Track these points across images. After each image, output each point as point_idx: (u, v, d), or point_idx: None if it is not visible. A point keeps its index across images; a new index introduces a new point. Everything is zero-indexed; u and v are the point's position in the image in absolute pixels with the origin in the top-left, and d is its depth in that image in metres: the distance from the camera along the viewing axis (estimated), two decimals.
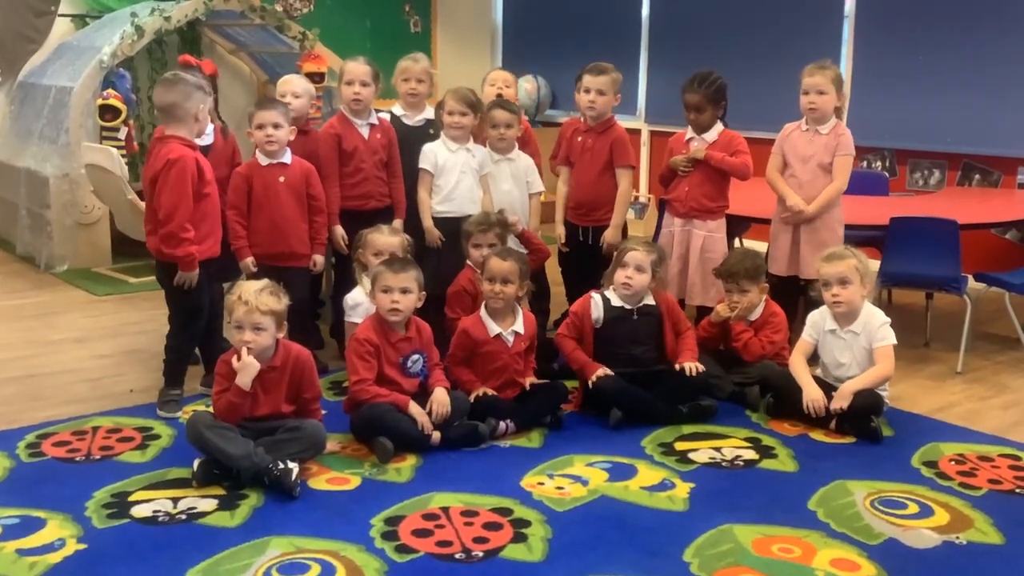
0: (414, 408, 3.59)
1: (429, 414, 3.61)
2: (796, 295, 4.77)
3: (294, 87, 4.74)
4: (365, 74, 4.56)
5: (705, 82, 4.70)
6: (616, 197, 4.78)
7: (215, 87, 4.89)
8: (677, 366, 3.99)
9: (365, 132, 4.60)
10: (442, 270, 4.42)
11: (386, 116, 4.81)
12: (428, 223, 4.59)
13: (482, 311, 3.96)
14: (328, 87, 7.76)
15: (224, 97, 8.13)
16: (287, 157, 4.30)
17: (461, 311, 4.15)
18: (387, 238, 4.14)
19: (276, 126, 4.20)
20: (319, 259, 4.40)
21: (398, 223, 4.58)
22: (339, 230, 4.53)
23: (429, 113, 4.98)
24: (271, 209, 4.23)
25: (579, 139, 4.86)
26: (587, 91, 4.77)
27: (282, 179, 4.26)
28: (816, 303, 4.16)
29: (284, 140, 4.25)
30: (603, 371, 3.93)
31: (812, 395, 3.86)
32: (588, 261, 4.80)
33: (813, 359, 4.25)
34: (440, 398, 3.65)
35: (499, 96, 5.07)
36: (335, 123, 4.62)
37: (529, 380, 3.96)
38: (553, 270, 5.16)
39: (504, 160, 4.76)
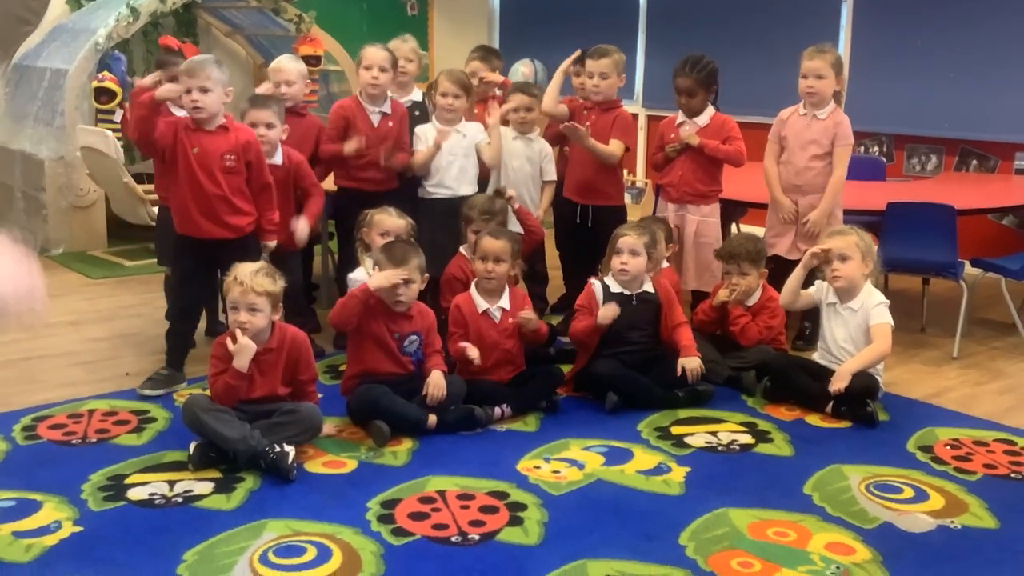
0: (376, 279, 3.59)
1: (424, 397, 3.62)
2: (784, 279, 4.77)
3: (287, 75, 4.66)
4: (384, 60, 4.54)
5: (697, 66, 4.69)
6: (601, 145, 4.72)
7: None
8: (679, 366, 3.96)
9: (376, 120, 4.58)
10: (436, 250, 4.42)
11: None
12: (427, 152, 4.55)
13: (472, 288, 3.97)
14: (324, 70, 7.73)
15: None
16: (278, 157, 4.24)
17: (453, 298, 4.14)
18: (394, 220, 4.13)
19: (269, 126, 4.17)
20: (302, 224, 4.29)
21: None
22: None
23: (417, 95, 4.97)
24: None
25: (585, 112, 4.84)
26: (590, 75, 4.77)
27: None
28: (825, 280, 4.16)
29: (276, 140, 4.22)
30: (611, 307, 3.92)
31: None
32: (586, 243, 4.78)
33: (811, 342, 4.27)
34: (436, 381, 3.65)
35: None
36: (347, 105, 4.61)
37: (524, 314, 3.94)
38: (552, 256, 5.16)
39: (521, 138, 4.78)
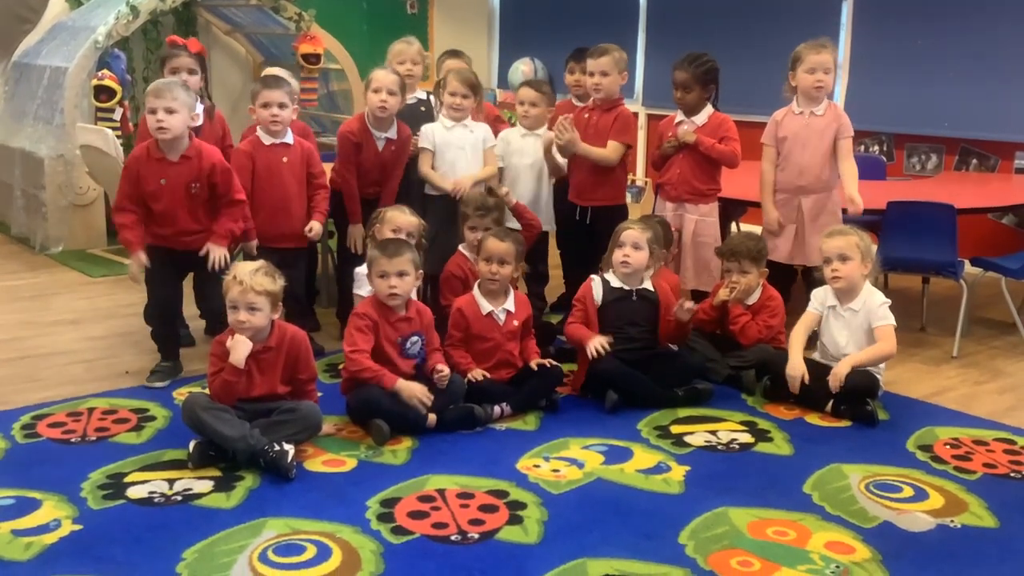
0: (403, 386, 3.57)
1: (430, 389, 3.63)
2: (790, 280, 4.76)
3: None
4: (393, 83, 4.51)
5: (695, 62, 4.68)
6: (595, 149, 4.72)
7: (203, 66, 4.88)
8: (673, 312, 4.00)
9: (380, 145, 4.58)
10: (439, 248, 4.42)
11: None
12: (447, 184, 4.55)
13: (475, 290, 3.96)
14: (324, 68, 7.74)
15: (220, 78, 8.13)
16: (289, 137, 4.30)
17: (452, 296, 4.14)
18: (407, 217, 4.13)
19: (282, 106, 4.21)
20: (316, 225, 4.37)
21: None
22: (360, 230, 4.53)
23: (420, 93, 4.97)
24: (273, 189, 4.24)
25: (585, 116, 4.82)
26: (591, 74, 4.75)
27: (285, 159, 4.27)
28: (820, 283, 4.16)
29: (288, 121, 4.27)
30: (601, 338, 3.90)
31: (793, 369, 3.89)
32: (586, 242, 4.77)
33: (812, 343, 4.26)
34: (446, 371, 3.66)
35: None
36: (356, 130, 4.57)
37: (535, 361, 3.94)
38: (552, 256, 5.15)
39: (531, 135, 4.78)
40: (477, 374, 3.81)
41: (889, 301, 3.98)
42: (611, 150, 4.73)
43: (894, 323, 3.94)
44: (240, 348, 3.32)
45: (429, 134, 4.65)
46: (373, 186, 4.64)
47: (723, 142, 4.64)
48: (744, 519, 3.01)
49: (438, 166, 4.64)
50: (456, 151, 4.62)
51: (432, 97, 4.99)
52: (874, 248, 4.10)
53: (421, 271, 3.78)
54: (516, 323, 3.94)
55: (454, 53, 5.31)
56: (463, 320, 3.89)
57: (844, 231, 4.04)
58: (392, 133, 4.60)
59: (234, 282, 3.34)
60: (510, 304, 3.94)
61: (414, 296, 3.84)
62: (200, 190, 3.94)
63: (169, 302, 4.18)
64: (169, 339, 4.22)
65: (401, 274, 3.66)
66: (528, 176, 4.79)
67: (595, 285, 4.07)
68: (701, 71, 4.67)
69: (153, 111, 3.81)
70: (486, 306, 3.91)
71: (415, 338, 3.72)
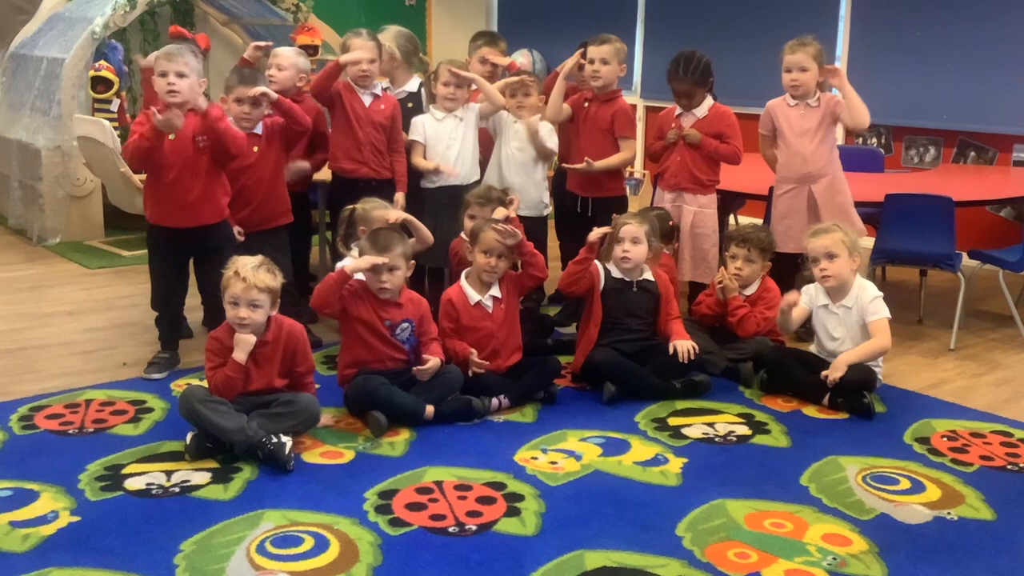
0: (354, 264, 3.60)
1: (418, 379, 3.64)
2: (792, 273, 4.76)
3: (280, 59, 4.71)
4: (371, 50, 4.52)
5: (690, 67, 4.66)
6: (615, 158, 4.74)
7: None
8: (671, 347, 3.98)
9: (367, 100, 4.57)
10: (440, 241, 4.41)
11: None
12: (434, 165, 4.58)
13: (463, 280, 3.95)
14: (322, 60, 7.71)
15: (216, 70, 8.10)
16: (258, 128, 4.30)
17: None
18: (382, 211, 4.12)
19: (255, 104, 4.21)
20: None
21: (399, 196, 4.56)
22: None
23: (411, 87, 4.94)
24: (246, 182, 4.25)
25: (585, 104, 4.82)
26: (591, 61, 4.74)
27: (255, 149, 4.26)
28: (811, 281, 4.16)
29: (259, 119, 4.27)
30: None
31: (835, 368, 3.86)
32: (586, 232, 4.76)
33: (808, 336, 4.27)
34: (431, 366, 3.65)
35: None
36: (338, 84, 4.57)
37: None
38: (551, 248, 5.14)
39: (520, 121, 4.77)
40: (477, 362, 3.80)
41: (881, 294, 3.97)
42: (628, 149, 4.76)
43: (888, 316, 3.93)
44: (243, 345, 3.33)
45: (419, 127, 4.64)
46: (370, 150, 4.55)
47: (724, 139, 4.64)
48: (741, 511, 3.02)
49: (430, 159, 4.63)
50: (448, 141, 4.62)
51: (423, 91, 4.98)
52: (861, 242, 4.08)
53: (413, 262, 3.78)
54: (504, 307, 3.93)
55: (491, 40, 5.12)
56: (453, 311, 3.88)
57: (829, 229, 4.01)
58: (378, 90, 4.60)
59: (236, 278, 3.33)
60: (495, 290, 3.94)
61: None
62: (206, 145, 3.93)
63: (175, 289, 4.19)
64: (172, 327, 4.23)
65: (391, 269, 3.65)
66: (516, 160, 4.76)
67: (600, 269, 4.07)
68: (698, 74, 4.66)
69: (164, 74, 3.82)
70: (474, 296, 3.90)
71: (405, 324, 3.72)
